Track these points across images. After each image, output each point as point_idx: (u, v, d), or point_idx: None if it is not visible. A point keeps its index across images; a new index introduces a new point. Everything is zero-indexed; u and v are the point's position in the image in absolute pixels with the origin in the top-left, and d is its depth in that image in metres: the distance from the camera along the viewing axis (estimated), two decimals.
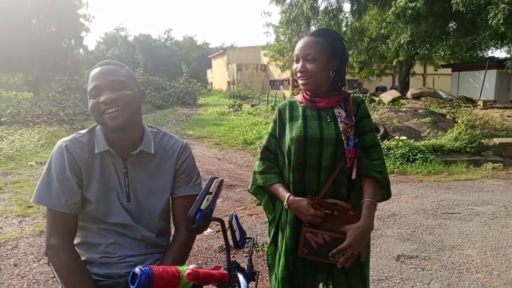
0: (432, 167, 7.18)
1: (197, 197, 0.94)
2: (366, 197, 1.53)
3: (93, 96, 1.29)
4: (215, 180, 0.97)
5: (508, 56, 16.45)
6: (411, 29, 12.57)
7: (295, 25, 19.82)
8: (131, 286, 0.83)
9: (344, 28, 19.69)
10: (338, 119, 1.57)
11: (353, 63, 21.34)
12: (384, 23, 15.29)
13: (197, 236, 2.61)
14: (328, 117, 1.58)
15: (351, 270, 1.59)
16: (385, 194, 1.65)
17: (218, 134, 11.94)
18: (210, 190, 0.95)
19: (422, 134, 9.25)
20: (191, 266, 0.91)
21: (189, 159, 1.50)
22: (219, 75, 48.93)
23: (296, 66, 1.58)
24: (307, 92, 1.62)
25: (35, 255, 3.53)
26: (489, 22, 9.00)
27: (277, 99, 21.15)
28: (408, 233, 3.99)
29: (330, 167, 1.55)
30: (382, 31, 16.60)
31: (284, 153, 1.64)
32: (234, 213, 1.15)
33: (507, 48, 12.26)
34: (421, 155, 7.60)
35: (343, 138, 1.53)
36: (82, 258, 1.35)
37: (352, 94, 1.64)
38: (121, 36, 51.80)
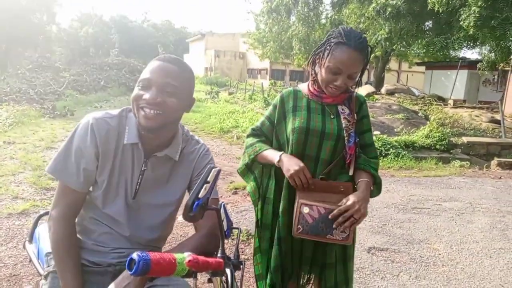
0: (404, 163, 7.39)
1: (195, 186, 0.95)
2: (362, 179, 1.57)
3: (141, 88, 1.21)
4: (213, 170, 0.97)
5: (479, 57, 17.00)
6: (389, 26, 12.76)
7: (275, 15, 19.78)
8: (128, 272, 0.83)
9: (323, 20, 19.82)
10: (341, 116, 1.59)
11: None
12: (363, 18, 15.45)
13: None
14: (331, 114, 1.61)
15: (337, 262, 1.65)
16: (375, 192, 1.68)
17: (194, 121, 11.83)
18: (208, 179, 0.95)
19: (395, 130, 9.49)
20: (187, 254, 0.92)
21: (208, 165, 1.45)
22: (196, 60, 48.26)
23: (334, 78, 1.50)
24: (315, 87, 1.62)
25: (2, 238, 3.42)
26: (461, 23, 9.27)
27: (255, 88, 21.11)
28: (379, 226, 4.11)
29: (327, 160, 1.59)
30: (361, 26, 16.79)
31: (281, 141, 1.66)
32: (223, 203, 1.15)
33: (478, 49, 12.70)
34: (394, 150, 7.80)
35: (345, 134, 1.56)
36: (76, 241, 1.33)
37: (355, 93, 1.66)
38: (96, 15, 50.11)
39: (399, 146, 8.06)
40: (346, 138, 1.56)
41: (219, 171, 0.99)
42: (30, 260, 1.72)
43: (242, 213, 4.37)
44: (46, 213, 1.58)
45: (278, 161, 1.57)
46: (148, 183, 1.33)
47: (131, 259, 0.82)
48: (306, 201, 1.49)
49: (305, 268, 1.69)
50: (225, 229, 1.32)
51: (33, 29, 24.51)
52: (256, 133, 1.75)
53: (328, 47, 1.49)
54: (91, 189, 1.31)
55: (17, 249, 3.26)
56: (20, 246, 3.31)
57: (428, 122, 10.09)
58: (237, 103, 17.14)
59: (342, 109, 1.61)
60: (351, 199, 1.47)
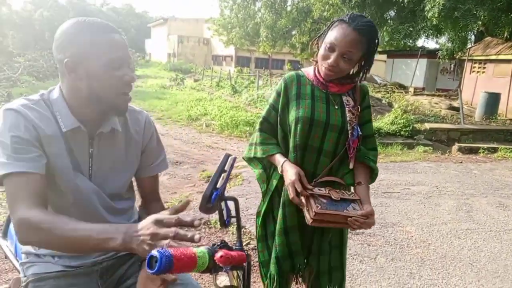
0: None
1: (212, 175, 0.89)
2: (362, 181, 1.57)
3: (115, 68, 1.09)
4: (230, 158, 0.92)
5: (438, 47, 17.63)
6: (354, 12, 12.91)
7: (241, 0, 19.52)
8: (149, 271, 0.76)
9: (289, 8, 19.78)
10: (346, 108, 1.56)
11: (296, 44, 21.58)
12: (327, 6, 15.55)
13: None
14: (336, 104, 1.57)
15: (333, 248, 1.66)
16: (370, 182, 1.68)
17: (160, 108, 11.55)
18: (225, 168, 0.90)
19: None
20: (206, 248, 0.87)
21: (155, 133, 1.38)
22: (158, 46, 47.00)
23: (327, 54, 1.46)
24: (320, 74, 1.57)
25: None
26: (426, 14, 9.55)
27: (221, 76, 20.88)
28: None
29: (330, 152, 1.57)
30: (325, 14, 16.90)
31: (286, 129, 1.62)
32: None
33: (437, 39, 13.17)
34: None
35: (349, 127, 1.54)
36: (44, 250, 1.20)
37: (359, 83, 1.63)
38: None
39: None
40: (350, 131, 1.54)
41: (234, 159, 0.94)
42: (6, 257, 1.60)
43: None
44: None
45: (281, 170, 1.56)
46: (101, 162, 1.22)
47: (151, 256, 0.76)
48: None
49: (303, 255, 1.69)
50: (225, 218, 1.28)
51: None
52: (262, 128, 1.69)
53: (330, 25, 1.49)
54: (57, 174, 1.14)
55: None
56: None
57: (392, 109, 10.38)
58: (204, 90, 16.90)
59: (347, 101, 1.58)
60: (371, 217, 1.47)
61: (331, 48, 1.45)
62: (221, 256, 0.85)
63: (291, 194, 1.49)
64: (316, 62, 1.57)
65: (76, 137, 1.16)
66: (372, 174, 1.64)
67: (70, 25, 1.09)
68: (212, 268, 0.86)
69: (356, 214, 1.45)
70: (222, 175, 0.89)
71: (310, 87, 1.60)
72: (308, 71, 1.65)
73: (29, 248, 1.23)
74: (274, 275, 1.68)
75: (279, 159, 1.59)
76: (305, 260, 1.71)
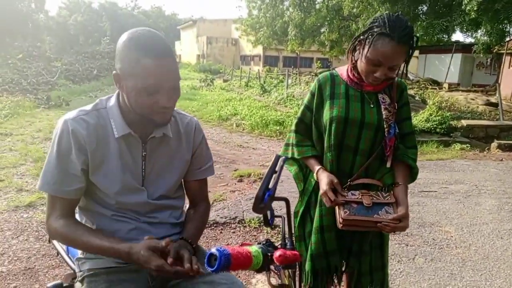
0: None
1: (264, 176, 0.91)
2: (401, 181, 1.54)
3: (149, 94, 1.11)
4: (281, 159, 0.93)
5: (473, 41, 17.00)
6: (386, 9, 12.65)
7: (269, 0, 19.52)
8: (209, 269, 0.79)
9: (318, 5, 19.60)
10: (382, 106, 1.53)
11: (325, 42, 21.37)
12: (357, 2, 15.30)
13: None
14: (371, 102, 1.54)
15: (374, 249, 1.63)
16: (410, 180, 1.64)
17: (191, 109, 11.73)
18: (276, 169, 0.91)
19: None
20: (258, 246, 0.88)
21: (204, 139, 1.44)
22: (188, 47, 47.74)
23: (374, 69, 1.44)
24: (355, 73, 1.54)
25: (12, 231, 3.37)
26: (463, 8, 9.19)
27: (250, 75, 20.96)
28: None
29: (367, 151, 1.54)
30: (354, 10, 16.63)
31: (321, 129, 1.61)
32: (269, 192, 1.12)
33: (479, 33, 12.65)
34: None
35: (385, 125, 1.51)
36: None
37: (397, 79, 1.58)
38: (85, 2, 49.11)
39: None
40: (386, 129, 1.51)
41: (285, 160, 0.95)
42: (58, 254, 1.68)
43: (251, 200, 4.30)
44: None
45: (316, 177, 1.57)
46: (154, 167, 1.30)
47: (211, 254, 0.79)
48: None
49: (343, 256, 1.68)
50: (269, 218, 1.29)
51: (21, 17, 23.97)
52: (297, 129, 1.69)
53: (370, 37, 1.40)
54: (96, 193, 1.26)
55: (29, 242, 3.21)
56: (31, 239, 3.27)
57: (425, 106, 10.10)
58: (233, 91, 17.03)
59: (383, 98, 1.54)
60: (404, 220, 1.45)
61: (377, 64, 1.42)
62: (279, 255, 0.86)
63: (327, 204, 1.51)
64: (354, 64, 1.53)
65: (130, 141, 1.24)
66: (412, 173, 1.61)
67: (124, 40, 1.12)
68: (266, 266, 0.88)
69: (387, 219, 1.44)
70: (274, 175, 0.90)
71: (344, 86, 1.57)
72: (342, 71, 1.62)
73: None
74: (308, 273, 1.68)
75: (313, 165, 1.60)
76: (343, 262, 1.70)
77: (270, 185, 0.89)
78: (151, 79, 1.09)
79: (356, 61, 1.52)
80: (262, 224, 3.73)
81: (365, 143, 1.54)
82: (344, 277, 1.80)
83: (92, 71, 18.38)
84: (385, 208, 1.48)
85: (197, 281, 1.26)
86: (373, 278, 1.69)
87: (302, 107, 1.69)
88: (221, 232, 3.57)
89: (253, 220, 3.77)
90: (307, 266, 1.66)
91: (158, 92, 1.11)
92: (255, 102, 12.68)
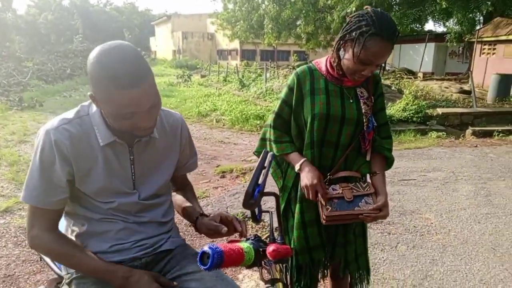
0: None
1: (253, 172, 0.91)
2: (378, 171, 1.58)
3: (126, 119, 1.09)
4: (269, 154, 0.93)
5: (445, 30, 17.36)
6: (360, 1, 12.79)
7: None
8: (202, 267, 0.79)
9: None
10: (361, 100, 1.55)
11: (301, 34, 21.42)
12: None
13: None
14: (350, 97, 1.55)
15: (357, 237, 1.68)
16: (387, 167, 1.70)
17: (170, 106, 11.58)
18: (265, 165, 0.91)
19: None
20: (249, 242, 0.89)
21: (189, 134, 1.44)
22: (163, 43, 47.08)
23: (363, 68, 1.43)
24: (337, 71, 1.53)
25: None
26: None
27: (228, 70, 20.86)
28: None
29: (346, 145, 1.57)
30: (329, 2, 16.73)
31: (301, 124, 1.61)
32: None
33: (451, 22, 12.95)
34: None
35: (364, 120, 1.54)
36: (88, 249, 1.25)
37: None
38: (55, 0, 47.69)
39: None
40: (365, 123, 1.54)
41: (273, 156, 0.95)
42: (41, 259, 1.64)
43: (235, 196, 4.35)
44: None
45: (299, 169, 1.57)
46: (143, 169, 1.29)
47: (204, 252, 0.79)
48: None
49: (328, 248, 1.71)
50: (257, 213, 1.29)
51: None
52: (275, 124, 1.66)
53: (360, 37, 1.37)
54: (83, 200, 1.24)
55: (7, 248, 3.13)
56: (10, 245, 3.18)
57: (402, 96, 10.28)
58: (212, 86, 16.91)
59: (361, 92, 1.56)
60: (384, 209, 1.51)
61: (367, 63, 1.41)
62: (273, 250, 0.87)
63: (311, 197, 1.53)
64: (336, 59, 1.51)
65: (116, 147, 1.22)
66: (388, 162, 1.66)
67: (94, 63, 1.05)
68: (258, 262, 0.88)
69: (367, 210, 1.49)
70: (263, 171, 0.90)
71: (323, 81, 1.56)
72: (319, 64, 1.60)
73: None
74: (292, 268, 1.70)
75: (296, 158, 1.60)
76: (328, 255, 1.72)
77: (260, 181, 0.90)
78: (125, 109, 1.06)
79: (340, 59, 1.50)
80: (247, 219, 3.73)
81: (345, 138, 1.56)
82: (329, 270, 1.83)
83: (65, 70, 17.92)
84: (365, 198, 1.52)
85: (187, 278, 1.27)
86: (359, 264, 1.76)
87: (279, 102, 1.66)
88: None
89: (237, 216, 3.76)
90: (291, 261, 1.68)
91: (135, 117, 1.09)
92: (234, 97, 12.64)
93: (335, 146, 1.57)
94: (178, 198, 1.51)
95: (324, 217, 1.49)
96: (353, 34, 1.40)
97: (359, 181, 1.60)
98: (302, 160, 1.57)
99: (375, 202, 1.51)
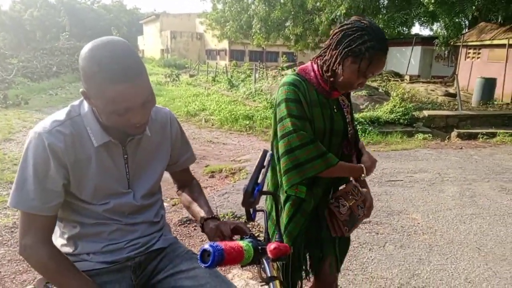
0: (371, 138, 7.62)
1: (253, 171, 0.92)
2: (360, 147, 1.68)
3: (120, 115, 1.07)
4: (268, 153, 0.94)
5: (432, 34, 17.66)
6: (348, 3, 12.93)
7: None
8: (202, 265, 0.79)
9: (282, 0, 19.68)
10: (344, 110, 1.58)
11: (290, 36, 21.53)
12: None
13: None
14: (335, 108, 1.55)
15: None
16: None
17: (158, 104, 11.48)
18: (264, 164, 0.92)
19: (360, 107, 9.73)
20: (248, 240, 0.89)
21: (180, 128, 1.43)
22: (151, 42, 46.71)
23: (363, 80, 1.42)
24: (333, 86, 1.49)
25: None
26: (421, 0, 9.54)
27: (217, 70, 20.81)
28: None
29: (336, 155, 1.54)
30: (318, 4, 16.86)
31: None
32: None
33: (431, 26, 13.21)
34: (360, 127, 8.01)
35: (349, 128, 1.58)
36: (80, 250, 1.24)
37: None
38: None
39: (365, 122, 8.29)
40: (351, 131, 1.59)
41: (272, 155, 0.96)
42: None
43: (224, 196, 4.35)
44: None
45: (363, 174, 1.60)
46: (137, 168, 1.28)
47: (204, 250, 0.79)
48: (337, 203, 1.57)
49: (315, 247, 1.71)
50: (251, 212, 1.30)
51: None
52: (309, 140, 1.43)
53: (366, 53, 1.34)
54: (76, 203, 1.21)
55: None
56: None
57: (389, 98, 10.42)
58: (200, 86, 16.86)
59: (343, 101, 1.58)
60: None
61: (369, 76, 1.41)
62: (274, 248, 0.88)
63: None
64: (333, 78, 1.45)
65: (110, 147, 1.20)
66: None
67: (86, 58, 1.03)
68: (256, 260, 0.89)
69: (363, 214, 1.59)
70: (262, 170, 0.92)
71: (315, 92, 1.50)
72: (308, 74, 1.53)
73: (66, 249, 1.25)
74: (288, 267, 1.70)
75: (350, 164, 1.61)
76: (313, 252, 1.72)
77: (259, 180, 0.91)
78: (119, 104, 1.04)
79: (335, 73, 1.44)
80: (236, 218, 3.74)
81: (334, 149, 1.56)
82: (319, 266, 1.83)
83: (51, 67, 17.65)
84: (360, 205, 1.59)
85: (181, 276, 1.27)
86: (346, 251, 1.81)
87: (292, 120, 1.42)
88: (194, 229, 3.54)
89: (227, 215, 3.77)
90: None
91: (128, 113, 1.07)
92: (223, 97, 12.62)
93: None
94: (184, 199, 1.48)
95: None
96: (359, 48, 1.35)
97: (347, 183, 1.64)
98: (360, 165, 1.60)
99: (365, 205, 1.61)
